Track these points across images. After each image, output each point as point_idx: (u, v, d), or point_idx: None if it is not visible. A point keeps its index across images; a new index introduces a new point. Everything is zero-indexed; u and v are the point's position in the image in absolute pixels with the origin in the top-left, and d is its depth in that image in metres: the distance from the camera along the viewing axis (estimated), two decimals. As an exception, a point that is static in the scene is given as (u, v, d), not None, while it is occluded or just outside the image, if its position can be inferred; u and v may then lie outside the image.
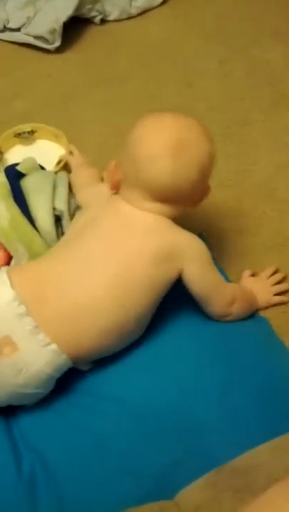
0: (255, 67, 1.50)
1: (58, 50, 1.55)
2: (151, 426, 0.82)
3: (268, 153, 1.31)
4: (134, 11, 1.64)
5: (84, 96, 1.45)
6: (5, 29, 1.58)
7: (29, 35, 1.55)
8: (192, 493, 0.68)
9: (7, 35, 1.58)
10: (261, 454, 0.74)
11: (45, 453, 0.81)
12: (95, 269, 0.86)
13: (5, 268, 0.90)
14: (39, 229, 1.01)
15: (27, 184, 1.06)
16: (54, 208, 1.04)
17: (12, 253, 1.00)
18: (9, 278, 0.84)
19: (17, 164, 1.11)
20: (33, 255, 0.98)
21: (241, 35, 1.58)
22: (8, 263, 1.01)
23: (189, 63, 1.53)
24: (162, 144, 0.86)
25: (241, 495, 0.64)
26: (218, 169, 0.97)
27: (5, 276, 0.85)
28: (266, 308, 1.02)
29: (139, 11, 1.64)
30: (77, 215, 1.01)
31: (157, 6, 1.66)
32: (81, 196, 1.04)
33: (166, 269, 0.88)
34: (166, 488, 0.73)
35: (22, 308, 0.81)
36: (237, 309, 0.95)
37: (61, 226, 1.04)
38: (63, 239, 0.96)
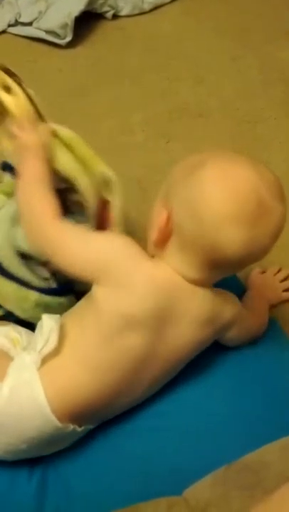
0: (267, 64, 1.49)
1: (70, 44, 1.54)
2: (160, 424, 0.81)
3: (280, 151, 1.30)
4: (146, 7, 1.63)
5: (95, 91, 1.44)
6: (17, 23, 1.57)
7: (40, 29, 1.55)
8: (201, 489, 0.68)
9: (19, 30, 1.58)
10: (271, 452, 0.73)
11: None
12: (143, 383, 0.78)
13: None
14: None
15: None
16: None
17: None
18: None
19: None
20: None
21: (254, 31, 1.58)
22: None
23: (201, 59, 1.52)
24: (238, 206, 0.69)
25: (251, 492, 0.64)
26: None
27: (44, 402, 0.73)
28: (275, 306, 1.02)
29: (151, 6, 1.64)
30: (96, 289, 0.76)
31: (169, 2, 1.65)
32: (89, 250, 0.77)
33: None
34: (174, 486, 0.73)
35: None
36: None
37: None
38: (94, 329, 0.76)
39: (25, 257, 0.84)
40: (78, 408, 0.74)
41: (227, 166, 0.71)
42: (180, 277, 0.74)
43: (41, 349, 0.74)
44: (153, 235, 0.74)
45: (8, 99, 0.84)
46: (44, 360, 0.74)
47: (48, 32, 1.54)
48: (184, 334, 0.76)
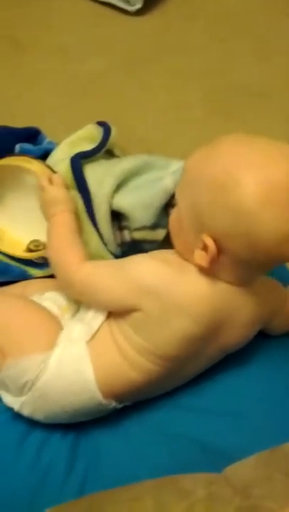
0: None
1: (138, 12, 1.53)
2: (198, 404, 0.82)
3: None
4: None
5: (156, 62, 1.43)
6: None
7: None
8: (243, 469, 0.66)
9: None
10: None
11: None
12: None
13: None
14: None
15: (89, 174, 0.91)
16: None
17: None
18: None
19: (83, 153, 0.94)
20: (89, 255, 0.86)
21: None
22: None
23: (268, 38, 1.49)
24: None
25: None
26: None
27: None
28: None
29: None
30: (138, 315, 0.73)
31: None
32: (126, 281, 0.73)
33: None
34: (210, 465, 0.71)
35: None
36: None
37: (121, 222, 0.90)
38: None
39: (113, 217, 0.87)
40: (122, 389, 0.75)
41: (265, 173, 0.63)
42: (226, 284, 0.71)
43: (90, 321, 0.75)
44: (199, 261, 0.68)
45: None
46: (93, 336, 0.74)
47: (118, -2, 1.53)
48: (236, 334, 0.76)
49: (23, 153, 0.97)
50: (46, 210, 0.84)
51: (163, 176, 0.88)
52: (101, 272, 0.75)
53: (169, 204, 0.87)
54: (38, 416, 0.76)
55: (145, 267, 0.73)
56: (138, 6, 1.53)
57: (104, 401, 0.74)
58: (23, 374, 0.74)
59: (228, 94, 1.36)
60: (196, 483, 0.65)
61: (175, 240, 0.75)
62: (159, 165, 0.91)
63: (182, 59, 1.45)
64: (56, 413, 0.75)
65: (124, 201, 0.87)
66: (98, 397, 0.73)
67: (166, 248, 0.78)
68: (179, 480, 0.67)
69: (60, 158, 0.93)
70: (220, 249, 0.66)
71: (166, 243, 0.82)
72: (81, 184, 0.89)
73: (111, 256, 0.88)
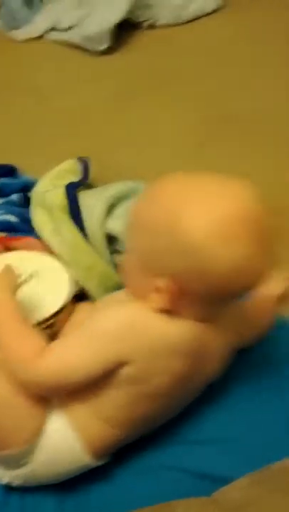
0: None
1: (106, 52, 1.55)
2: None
3: None
4: (184, 18, 1.65)
5: (129, 99, 1.44)
6: (55, 29, 1.59)
7: (78, 35, 1.56)
8: (234, 490, 0.66)
9: (56, 35, 1.60)
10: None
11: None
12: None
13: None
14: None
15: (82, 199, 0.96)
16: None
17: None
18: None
19: (76, 183, 1.00)
20: (98, 276, 0.89)
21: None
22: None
23: (241, 68, 1.50)
24: (247, 250, 0.63)
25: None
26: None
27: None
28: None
29: (190, 17, 1.65)
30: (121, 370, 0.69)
31: (208, 14, 1.66)
32: (102, 344, 0.68)
33: None
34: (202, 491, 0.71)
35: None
36: None
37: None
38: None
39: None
40: (111, 446, 0.74)
41: (205, 209, 0.62)
42: (192, 322, 0.68)
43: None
44: (157, 303, 0.66)
45: None
46: (72, 410, 0.71)
47: (85, 39, 1.55)
48: (213, 365, 0.74)
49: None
50: None
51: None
52: (69, 349, 0.69)
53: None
54: (30, 484, 0.74)
55: (112, 321, 0.69)
56: (105, 45, 1.55)
57: (96, 462, 0.73)
58: (14, 460, 0.72)
59: (203, 125, 1.35)
60: (188, 508, 0.64)
61: (128, 282, 0.72)
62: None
63: (153, 92, 1.45)
64: (49, 481, 0.75)
65: (115, 225, 0.89)
66: (89, 461, 0.72)
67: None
68: (172, 506, 0.66)
69: (45, 189, 0.97)
70: (182, 291, 0.64)
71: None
72: (76, 212, 0.92)
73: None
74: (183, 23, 1.65)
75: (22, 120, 1.36)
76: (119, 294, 0.73)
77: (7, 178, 1.08)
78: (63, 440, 0.71)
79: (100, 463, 0.74)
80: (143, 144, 1.30)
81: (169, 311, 0.67)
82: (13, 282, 0.75)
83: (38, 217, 0.93)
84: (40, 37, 1.60)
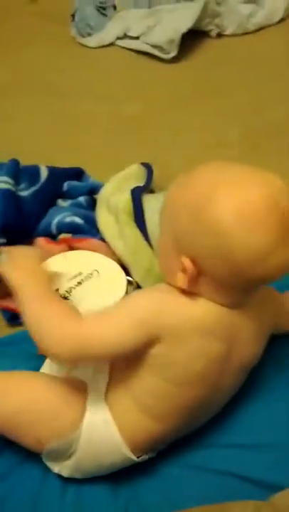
0: None
1: (173, 59, 1.60)
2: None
3: None
4: (251, 27, 1.67)
5: (193, 104, 1.48)
6: (125, 36, 1.65)
7: (147, 43, 1.62)
8: None
9: (126, 43, 1.66)
10: None
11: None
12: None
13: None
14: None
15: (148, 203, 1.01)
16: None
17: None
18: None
19: (142, 187, 1.05)
20: (155, 277, 0.94)
21: None
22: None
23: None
24: (268, 236, 0.64)
25: None
26: None
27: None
28: None
29: (256, 27, 1.67)
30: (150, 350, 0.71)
31: (275, 24, 1.68)
32: (132, 319, 0.70)
33: None
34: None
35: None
36: None
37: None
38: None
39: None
40: (151, 442, 0.76)
41: (237, 193, 0.64)
42: (220, 307, 0.71)
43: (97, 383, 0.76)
44: (180, 283, 0.69)
45: None
46: (111, 402, 0.74)
47: (154, 46, 1.60)
48: (247, 351, 0.75)
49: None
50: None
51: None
52: (104, 320, 0.71)
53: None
54: (77, 475, 0.78)
55: (145, 298, 0.73)
56: (173, 54, 1.60)
57: (136, 457, 0.75)
58: (63, 451, 0.75)
59: (264, 133, 1.39)
60: (244, 509, 0.65)
61: (161, 265, 0.76)
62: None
63: (217, 101, 1.49)
64: (93, 472, 0.78)
65: None
66: (129, 454, 0.75)
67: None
68: (227, 507, 0.67)
69: (111, 193, 1.01)
70: (200, 271, 0.67)
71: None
72: (140, 215, 0.98)
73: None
74: (249, 33, 1.68)
75: (90, 124, 1.43)
76: (161, 285, 0.75)
77: (75, 180, 1.15)
78: (104, 431, 0.74)
79: (142, 458, 0.76)
80: (194, 150, 1.34)
81: (195, 294, 0.70)
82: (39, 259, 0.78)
83: (103, 219, 1.00)
84: (111, 44, 1.67)
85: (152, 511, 0.77)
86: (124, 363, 0.74)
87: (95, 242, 0.99)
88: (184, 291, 0.70)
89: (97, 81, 1.58)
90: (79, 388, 0.75)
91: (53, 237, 1.03)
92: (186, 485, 0.78)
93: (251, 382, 0.83)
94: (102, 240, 1.00)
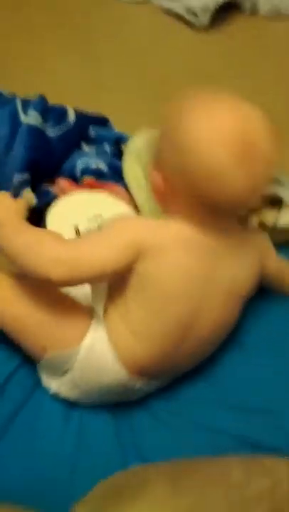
0: None
1: (204, 29, 1.59)
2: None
3: None
4: (284, 11, 1.66)
5: (216, 80, 1.47)
6: (161, -5, 1.63)
7: (182, 6, 1.60)
8: None
9: (161, 2, 1.64)
10: None
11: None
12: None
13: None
14: None
15: None
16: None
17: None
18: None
19: None
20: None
21: None
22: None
23: None
24: (225, 151, 0.69)
25: None
26: None
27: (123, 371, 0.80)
28: None
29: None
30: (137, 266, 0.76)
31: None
32: (119, 239, 0.75)
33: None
34: None
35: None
36: None
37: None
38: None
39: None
40: (142, 366, 0.79)
41: (208, 116, 0.71)
42: (194, 227, 0.75)
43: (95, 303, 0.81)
44: (156, 198, 0.78)
45: None
46: (108, 324, 0.79)
47: (188, 11, 1.59)
48: (233, 278, 0.79)
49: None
50: None
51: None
52: (91, 239, 0.78)
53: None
54: (75, 396, 0.82)
55: (132, 220, 0.83)
56: (205, 22, 1.58)
57: (130, 377, 0.79)
58: (62, 363, 0.79)
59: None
60: (278, 463, 0.66)
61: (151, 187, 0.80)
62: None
63: (241, 82, 1.48)
64: (91, 393, 0.81)
65: None
66: (124, 373, 0.78)
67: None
68: (228, 463, 0.68)
69: (143, 147, 1.02)
70: (172, 190, 0.74)
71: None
72: None
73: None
74: (283, 16, 1.67)
75: (117, 77, 1.44)
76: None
77: (100, 128, 1.14)
78: (100, 349, 0.78)
79: (137, 383, 0.80)
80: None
81: (173, 218, 0.76)
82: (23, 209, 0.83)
83: (131, 170, 1.00)
84: (147, 1, 1.64)
85: (150, 451, 0.80)
86: (117, 285, 0.78)
87: (117, 188, 1.00)
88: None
89: (125, 38, 1.56)
90: (85, 310, 0.80)
91: (75, 179, 1.04)
92: (186, 437, 0.82)
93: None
94: (125, 188, 1.01)
